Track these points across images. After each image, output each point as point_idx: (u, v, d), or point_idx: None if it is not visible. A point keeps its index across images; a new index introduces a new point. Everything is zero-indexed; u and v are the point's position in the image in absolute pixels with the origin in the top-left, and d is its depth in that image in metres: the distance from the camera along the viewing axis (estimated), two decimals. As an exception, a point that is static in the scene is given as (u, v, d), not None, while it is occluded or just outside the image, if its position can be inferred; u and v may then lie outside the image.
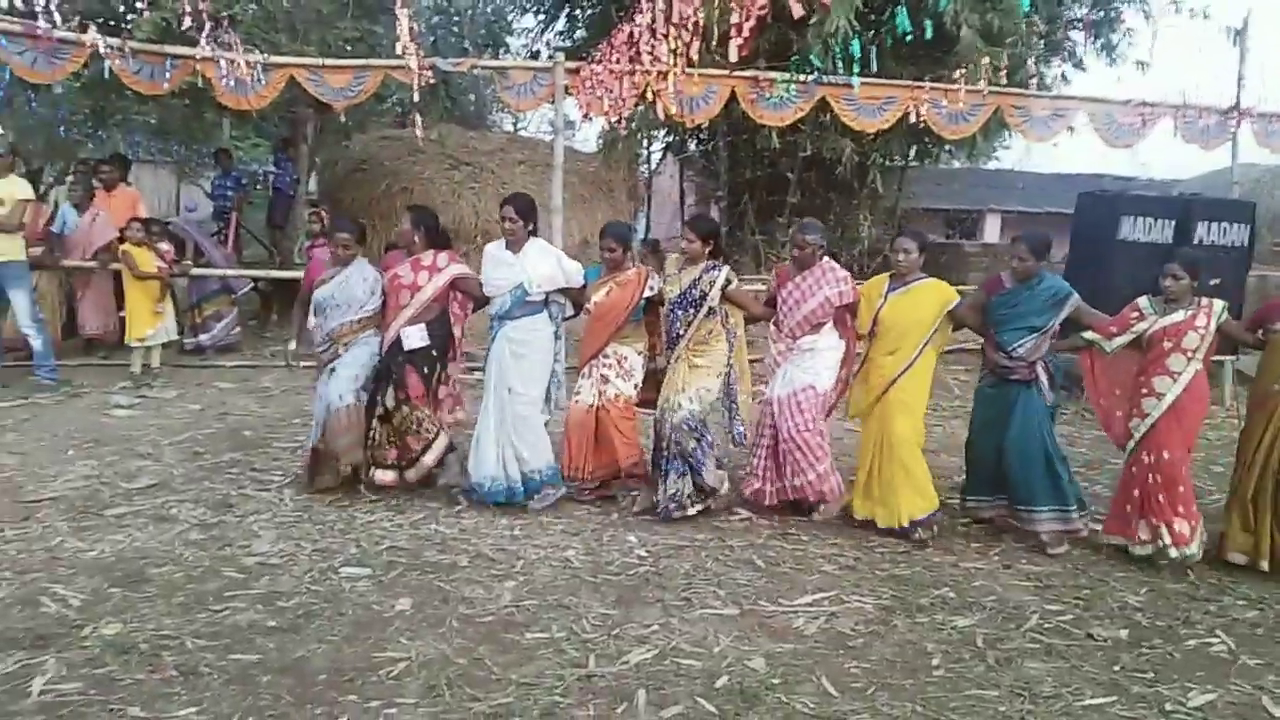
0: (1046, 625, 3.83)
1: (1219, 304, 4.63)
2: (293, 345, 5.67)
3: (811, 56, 8.13)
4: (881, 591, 4.12)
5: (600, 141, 12.66)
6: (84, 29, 7.01)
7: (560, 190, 7.98)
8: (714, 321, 5.03)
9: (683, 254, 5.13)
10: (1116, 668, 3.48)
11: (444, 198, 11.30)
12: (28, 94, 9.85)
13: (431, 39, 12.99)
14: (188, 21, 7.06)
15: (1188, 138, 8.62)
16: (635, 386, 5.17)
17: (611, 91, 7.56)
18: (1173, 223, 7.73)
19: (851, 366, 5.12)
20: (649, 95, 7.65)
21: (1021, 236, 4.93)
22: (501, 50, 15.03)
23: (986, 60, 8.90)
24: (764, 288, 5.74)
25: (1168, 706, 3.19)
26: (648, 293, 5.11)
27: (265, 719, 2.91)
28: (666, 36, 7.31)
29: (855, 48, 7.92)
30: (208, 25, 7.10)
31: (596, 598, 3.93)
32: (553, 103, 7.90)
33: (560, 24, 15.24)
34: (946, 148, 13.04)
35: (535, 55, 14.89)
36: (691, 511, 4.93)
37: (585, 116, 8.26)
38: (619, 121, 8.03)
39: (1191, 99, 8.50)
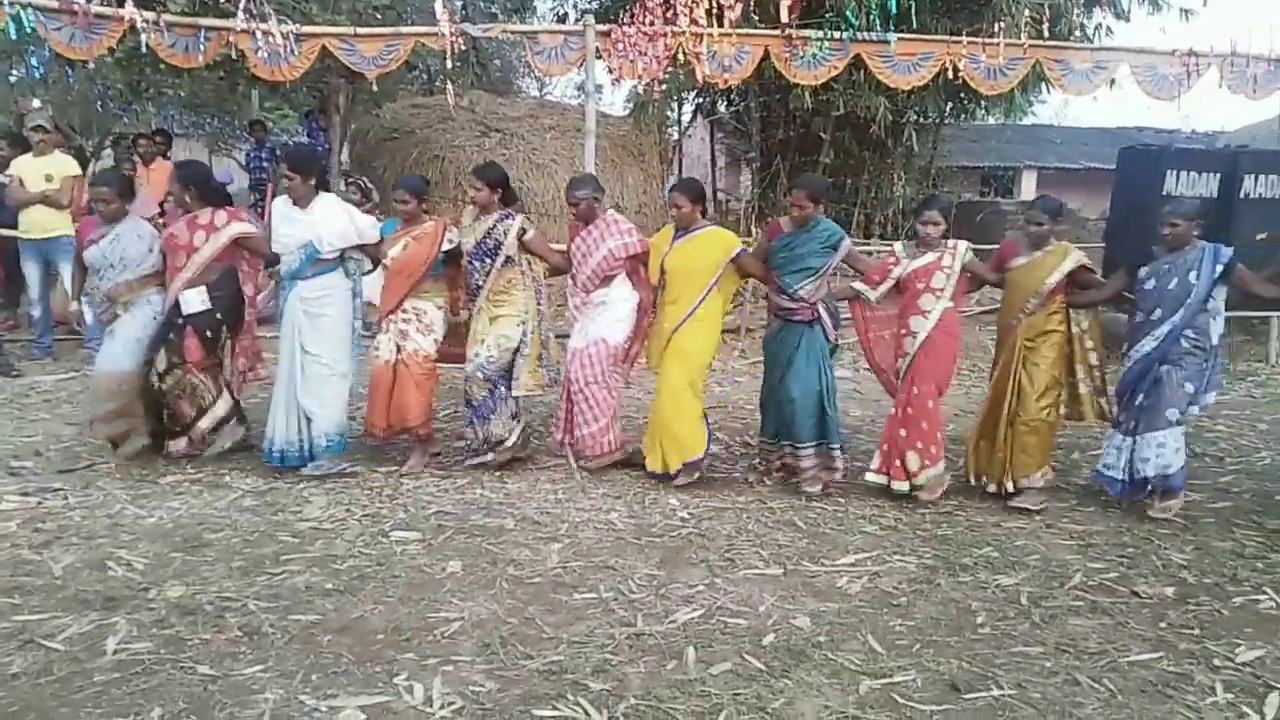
0: (1091, 583, 3.84)
1: (963, 245, 4.88)
2: (74, 306, 5.44)
3: (846, 13, 7.99)
4: (924, 551, 4.15)
5: (629, 105, 12.59)
6: (120, 3, 7.08)
7: (592, 155, 7.97)
8: (513, 271, 5.08)
9: (473, 204, 5.16)
10: (1163, 624, 3.49)
11: (475, 165, 11.30)
12: (65, 70, 9.98)
13: (460, 4, 12.91)
14: (222, -7, 7.11)
15: (1235, 88, 8.37)
16: (435, 341, 5.13)
17: (644, 54, 7.50)
18: (1219, 176, 7.58)
19: (647, 317, 5.18)
20: (682, 57, 7.58)
21: (799, 183, 5.08)
22: (529, 14, 14.89)
23: (1027, 13, 8.69)
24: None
25: (1216, 662, 3.20)
26: (446, 245, 5.07)
27: (328, 676, 3.01)
28: (703, -2, 7.23)
29: (891, 2, 7.78)
30: (242, -3, 7.14)
31: (641, 559, 4.00)
32: (583, 66, 7.86)
33: (588, -14, 15.07)
34: (982, 104, 12.80)
35: (563, 19, 14.74)
36: (484, 459, 5.09)
37: (615, 80, 8.21)
38: (651, 84, 7.97)
39: (1240, 48, 8.24)
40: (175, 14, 7.38)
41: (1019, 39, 8.18)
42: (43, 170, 7.17)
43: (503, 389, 5.09)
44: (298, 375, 4.94)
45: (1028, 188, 21.07)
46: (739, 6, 7.22)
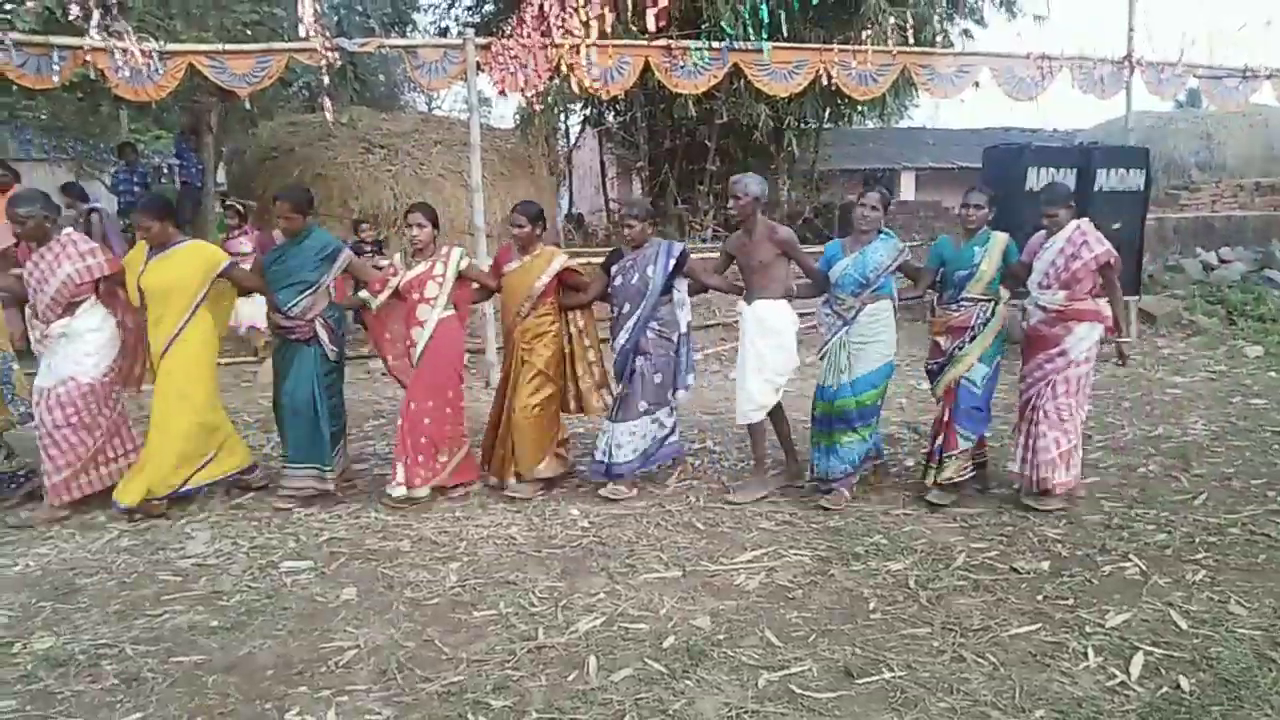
0: (973, 563, 4.02)
1: (457, 252, 4.93)
2: None
3: (722, 23, 8.17)
4: (818, 544, 4.26)
5: (517, 117, 12.55)
6: (-41, 22, 6.65)
7: (479, 169, 7.90)
8: None
9: None
10: (1040, 597, 3.67)
11: (360, 182, 11.07)
12: (-97, 94, 9.32)
13: (335, 19, 12.64)
14: (74, 10, 6.74)
15: (1085, 88, 8.92)
16: None
17: (525, 66, 7.49)
18: (1075, 171, 8.05)
19: (137, 340, 4.90)
20: (563, 68, 7.60)
21: (281, 195, 4.88)
22: (409, 28, 14.69)
23: (892, 20, 9.06)
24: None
25: (1088, 629, 3.38)
26: None
27: (214, 718, 2.88)
28: (578, 9, 7.27)
29: (764, 12, 7.99)
30: (96, 13, 6.78)
31: (542, 571, 3.98)
32: (465, 81, 7.79)
33: (467, -1, 15.02)
34: (859, 109, 13.28)
35: (444, 32, 14.61)
36: None
37: (501, 93, 8.16)
38: (534, 96, 7.96)
39: (1086, 51, 8.79)
40: (23, 32, 6.95)
41: (887, 46, 8.52)
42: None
43: None
44: None
45: (907, 188, 21.93)
46: (609, 17, 7.29)
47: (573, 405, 5.16)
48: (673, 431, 5.09)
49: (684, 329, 4.99)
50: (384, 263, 5.84)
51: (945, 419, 4.80)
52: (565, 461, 5.21)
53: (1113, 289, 4.66)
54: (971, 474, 4.85)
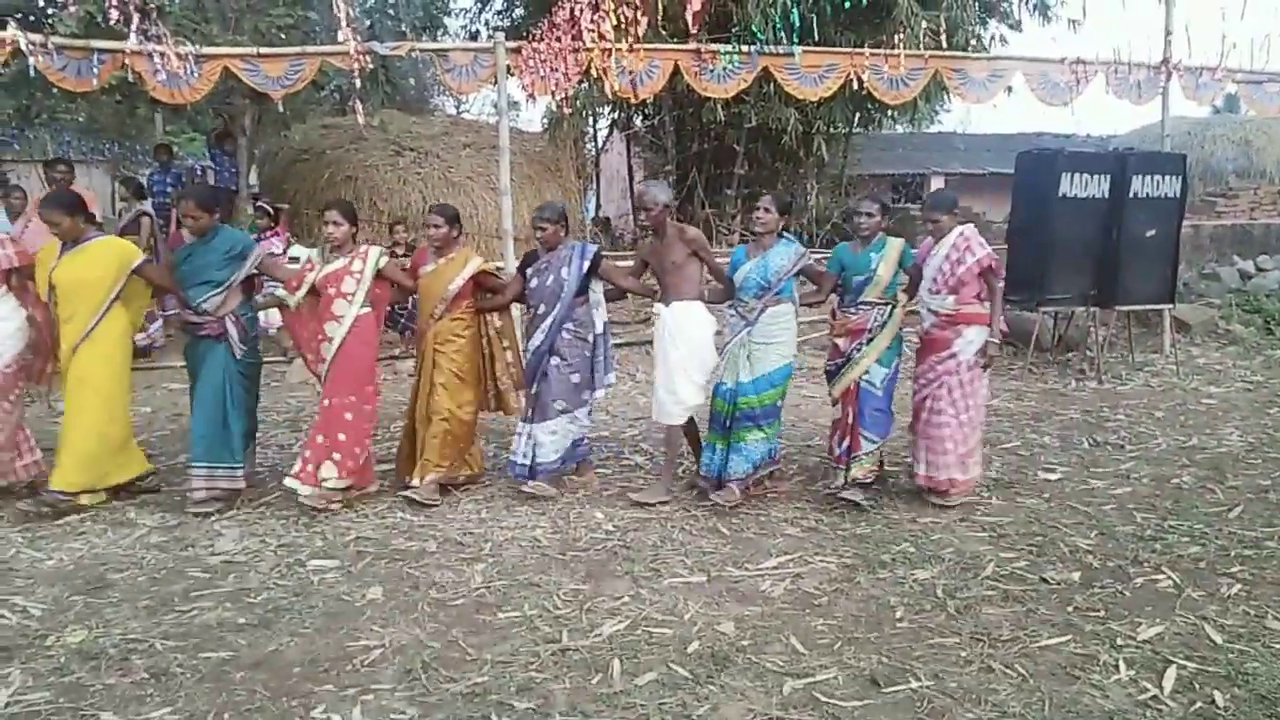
0: (1002, 572, 3.96)
1: (375, 250, 4.90)
2: None
3: (752, 27, 8.15)
4: (844, 551, 4.23)
5: (546, 121, 12.59)
6: (2, 25, 6.79)
7: (507, 172, 7.94)
8: None
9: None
10: (1070, 608, 3.61)
11: (390, 185, 11.16)
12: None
13: (368, 23, 12.77)
14: (114, 15, 6.86)
15: (1120, 93, 8.80)
16: None
17: (555, 70, 7.52)
18: (1109, 178, 7.93)
19: (45, 334, 4.88)
20: (593, 72, 7.62)
21: (184, 195, 4.94)
22: (440, 32, 14.80)
23: (924, 24, 8.99)
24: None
25: (1119, 641, 3.33)
26: None
27: (241, 714, 2.91)
28: (609, 12, 7.29)
29: (795, 16, 7.96)
30: (135, 18, 6.91)
31: (566, 574, 3.98)
32: (495, 84, 7.83)
33: (498, 3, 15.12)
34: (889, 113, 13.18)
35: (474, 36, 14.71)
36: None
37: (530, 96, 8.20)
38: (564, 100, 7.99)
39: (1122, 55, 8.66)
40: (64, 35, 7.09)
41: (919, 50, 8.45)
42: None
43: None
44: None
45: (937, 193, 21.76)
46: (644, 21, 7.31)
47: (492, 405, 5.22)
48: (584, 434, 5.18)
49: (600, 329, 5.07)
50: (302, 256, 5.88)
51: (849, 421, 4.84)
52: (470, 466, 5.18)
53: (994, 293, 4.81)
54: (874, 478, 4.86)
